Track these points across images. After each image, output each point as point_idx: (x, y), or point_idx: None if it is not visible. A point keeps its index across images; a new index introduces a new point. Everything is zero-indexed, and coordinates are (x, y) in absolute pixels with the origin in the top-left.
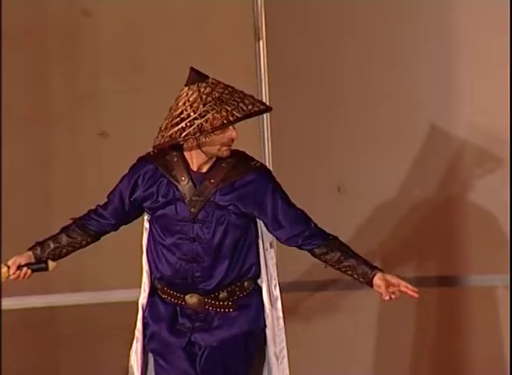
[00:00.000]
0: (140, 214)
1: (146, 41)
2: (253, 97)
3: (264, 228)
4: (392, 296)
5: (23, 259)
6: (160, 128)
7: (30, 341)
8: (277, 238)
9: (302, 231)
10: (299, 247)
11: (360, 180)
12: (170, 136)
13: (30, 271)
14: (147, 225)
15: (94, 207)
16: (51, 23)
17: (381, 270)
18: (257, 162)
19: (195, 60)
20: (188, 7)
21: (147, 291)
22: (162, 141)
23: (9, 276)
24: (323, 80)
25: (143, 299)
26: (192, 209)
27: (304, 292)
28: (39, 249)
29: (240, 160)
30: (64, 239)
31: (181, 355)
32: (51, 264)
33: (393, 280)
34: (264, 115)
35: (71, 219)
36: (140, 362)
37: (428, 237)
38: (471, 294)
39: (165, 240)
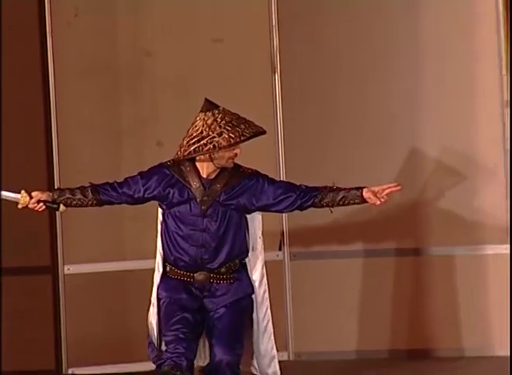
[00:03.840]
0: (143, 203)
1: (191, 75)
2: (253, 123)
3: (253, 222)
4: (382, 200)
5: (44, 196)
6: (181, 145)
7: (104, 299)
8: (282, 211)
9: (298, 194)
10: (301, 206)
11: (351, 177)
12: (194, 150)
13: (44, 206)
14: (161, 217)
15: (111, 181)
16: (120, 61)
17: (364, 187)
18: (249, 168)
19: (226, 89)
20: (223, 50)
21: (161, 269)
22: (186, 153)
23: (28, 205)
24: (324, 104)
25: (157, 275)
26: (203, 207)
27: (309, 260)
28: (57, 194)
29: (237, 169)
30: (77, 194)
31: (188, 312)
32: (62, 207)
33: (377, 188)
34: (279, 131)
35: (89, 183)
36: (155, 321)
37: (403, 220)
38: (434, 261)
39: (181, 230)
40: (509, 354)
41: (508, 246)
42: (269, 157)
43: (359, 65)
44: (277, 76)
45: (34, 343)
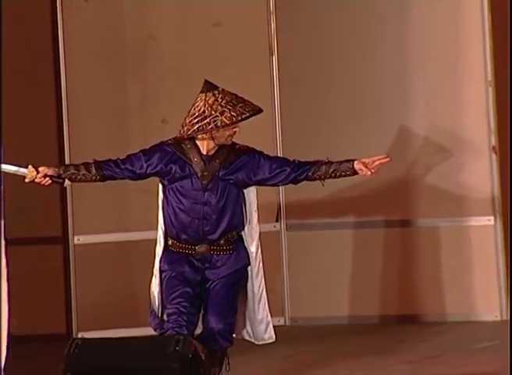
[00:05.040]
0: (144, 179)
1: (194, 57)
2: (251, 102)
3: (249, 196)
4: (372, 171)
5: (50, 171)
6: (183, 124)
7: (111, 268)
8: (277, 184)
9: (292, 168)
10: (296, 179)
11: (343, 154)
12: (198, 128)
13: (50, 181)
14: (161, 194)
15: (114, 158)
16: (127, 44)
17: (355, 159)
18: (245, 146)
19: (226, 70)
20: (223, 33)
21: (162, 243)
22: (190, 132)
23: (35, 179)
24: (319, 84)
25: (159, 249)
26: (204, 182)
27: (304, 231)
28: (62, 169)
29: (233, 146)
30: (82, 170)
31: (189, 286)
32: (66, 182)
33: (367, 160)
34: (276, 110)
35: (93, 159)
36: (157, 291)
37: (392, 193)
38: (422, 232)
39: (182, 204)
40: (508, 318)
41: (492, 218)
42: (267, 134)
43: (351, 47)
44: (274, 58)
45: (46, 309)
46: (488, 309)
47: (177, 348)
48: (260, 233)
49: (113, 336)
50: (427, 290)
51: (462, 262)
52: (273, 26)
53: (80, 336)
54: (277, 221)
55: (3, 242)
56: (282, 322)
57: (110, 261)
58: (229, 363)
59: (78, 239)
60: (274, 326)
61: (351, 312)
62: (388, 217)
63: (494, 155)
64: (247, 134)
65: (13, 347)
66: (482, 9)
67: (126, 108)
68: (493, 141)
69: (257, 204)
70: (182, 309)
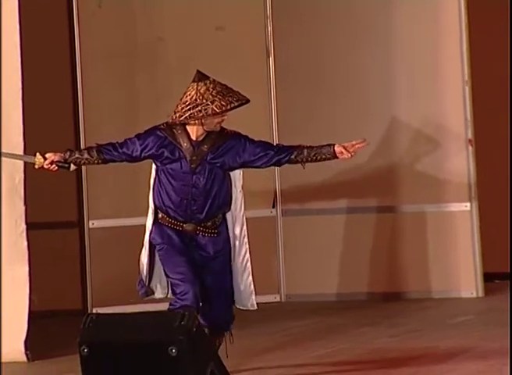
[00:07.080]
0: (140, 161)
1: (198, 57)
2: (239, 92)
3: (234, 177)
4: (352, 154)
5: (56, 157)
6: (176, 110)
7: (124, 249)
8: (260, 166)
9: (275, 151)
10: (279, 162)
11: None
12: (189, 115)
13: (56, 167)
14: (154, 173)
15: (114, 142)
16: (137, 46)
17: (335, 144)
18: (232, 130)
19: (227, 70)
20: (224, 36)
21: (152, 218)
22: (182, 118)
23: (42, 165)
24: (311, 82)
25: (149, 222)
26: (192, 165)
27: (299, 216)
28: (68, 154)
29: (221, 132)
30: (85, 154)
31: (185, 255)
32: (72, 167)
33: (347, 144)
34: (272, 105)
35: (96, 143)
36: (146, 261)
37: (381, 181)
38: (408, 217)
39: (172, 185)
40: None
41: (468, 204)
42: (265, 125)
43: (341, 47)
44: (271, 59)
45: (64, 287)
46: (466, 287)
47: (182, 322)
48: (244, 213)
49: (125, 311)
50: (412, 269)
51: (443, 244)
52: (270, 29)
53: (94, 311)
54: (273, 207)
55: (25, 226)
56: (278, 298)
57: (122, 243)
58: (232, 335)
59: (93, 223)
60: (270, 303)
61: (341, 290)
62: (377, 203)
63: (470, 147)
64: (247, 124)
65: (34, 321)
66: (460, 17)
67: (136, 105)
68: (470, 135)
69: (243, 185)
70: (186, 277)
